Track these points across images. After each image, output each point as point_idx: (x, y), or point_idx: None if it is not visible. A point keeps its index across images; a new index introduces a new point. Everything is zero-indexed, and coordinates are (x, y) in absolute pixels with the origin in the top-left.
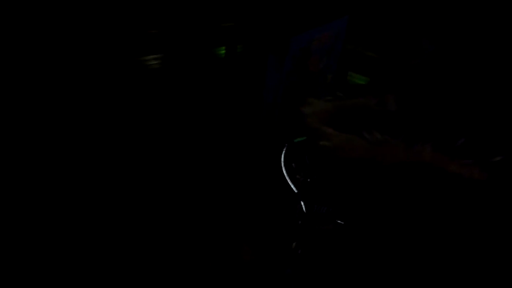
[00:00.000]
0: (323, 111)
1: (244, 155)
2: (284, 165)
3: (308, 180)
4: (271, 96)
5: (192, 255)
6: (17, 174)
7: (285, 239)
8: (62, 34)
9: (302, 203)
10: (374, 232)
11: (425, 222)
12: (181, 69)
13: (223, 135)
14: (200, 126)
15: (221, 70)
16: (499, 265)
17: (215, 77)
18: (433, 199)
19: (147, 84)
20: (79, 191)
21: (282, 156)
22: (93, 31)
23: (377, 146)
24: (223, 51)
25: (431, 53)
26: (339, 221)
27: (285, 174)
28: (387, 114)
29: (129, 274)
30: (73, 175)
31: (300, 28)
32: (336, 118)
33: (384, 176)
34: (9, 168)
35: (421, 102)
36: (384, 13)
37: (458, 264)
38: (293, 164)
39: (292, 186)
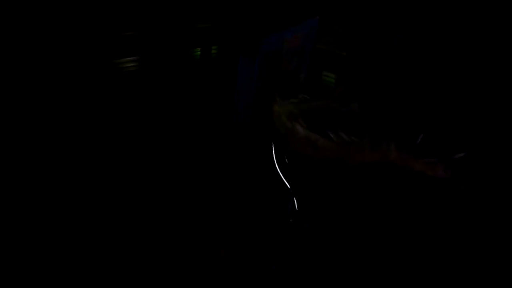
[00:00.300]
0: (292, 110)
1: (217, 156)
2: (276, 161)
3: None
4: (244, 97)
5: (170, 254)
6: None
7: (269, 236)
8: (36, 39)
9: (294, 199)
10: (345, 232)
11: (393, 221)
12: (157, 71)
13: (197, 136)
14: (174, 128)
15: (196, 72)
16: (467, 260)
17: (189, 78)
18: (400, 197)
19: (123, 86)
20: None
21: (273, 152)
22: (69, 34)
23: (343, 146)
24: (199, 53)
25: (393, 50)
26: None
27: (278, 170)
28: (351, 114)
29: (117, 274)
30: (52, 175)
31: (270, 30)
32: (303, 118)
33: (351, 176)
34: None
35: (383, 100)
36: (354, 13)
37: (428, 260)
38: (286, 160)
39: (286, 182)
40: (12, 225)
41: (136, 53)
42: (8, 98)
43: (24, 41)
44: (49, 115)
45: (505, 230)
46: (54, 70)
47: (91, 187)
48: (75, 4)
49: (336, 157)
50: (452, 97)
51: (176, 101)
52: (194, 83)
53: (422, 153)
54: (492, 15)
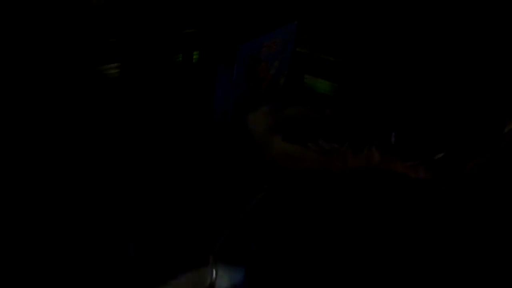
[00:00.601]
0: (266, 121)
1: (196, 162)
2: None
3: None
4: (223, 104)
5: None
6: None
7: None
8: (20, 45)
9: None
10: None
11: (379, 222)
12: (140, 77)
13: (176, 143)
14: (153, 134)
15: (176, 78)
16: (451, 259)
17: (170, 84)
18: (385, 200)
19: (106, 92)
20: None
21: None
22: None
23: (325, 155)
24: (180, 58)
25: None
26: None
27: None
28: (326, 120)
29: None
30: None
31: (248, 35)
32: (280, 127)
33: (335, 183)
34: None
35: (360, 105)
36: (333, 15)
37: (412, 261)
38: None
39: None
40: (11, 225)
41: (119, 59)
42: None
43: (10, 48)
44: (32, 120)
45: (486, 229)
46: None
47: (77, 188)
48: (58, 9)
49: (318, 167)
50: (429, 99)
51: (158, 105)
52: (175, 87)
53: (404, 155)
54: (469, 16)
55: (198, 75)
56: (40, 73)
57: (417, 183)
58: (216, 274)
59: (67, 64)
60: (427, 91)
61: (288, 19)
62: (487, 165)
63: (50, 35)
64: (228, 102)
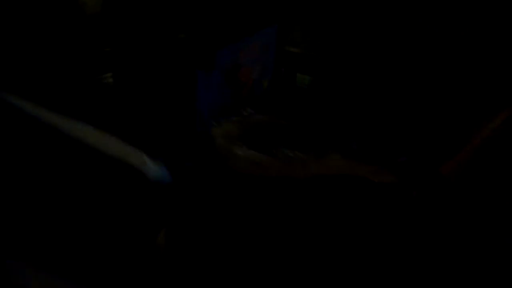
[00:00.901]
0: (231, 130)
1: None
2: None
3: None
4: (205, 111)
5: None
6: None
7: None
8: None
9: None
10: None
11: (346, 229)
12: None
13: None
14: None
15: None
16: (417, 263)
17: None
18: (350, 206)
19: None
20: None
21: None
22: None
23: (288, 163)
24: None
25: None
26: None
27: None
28: (289, 127)
29: None
30: None
31: (226, 42)
32: (244, 137)
33: (299, 191)
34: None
35: (320, 111)
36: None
37: (379, 265)
38: None
39: None
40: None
41: (111, 69)
42: None
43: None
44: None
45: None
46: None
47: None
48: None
49: (282, 175)
50: (390, 102)
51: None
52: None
53: (367, 159)
54: (421, 21)
55: (178, 84)
56: (34, 82)
57: (384, 188)
58: None
59: (62, 73)
60: (388, 93)
61: (267, 23)
62: (466, 166)
63: (45, 44)
64: (212, 108)
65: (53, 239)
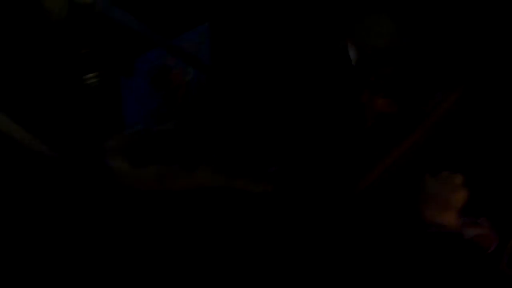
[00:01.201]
0: (110, 148)
1: None
2: None
3: None
4: (134, 116)
5: None
6: None
7: None
8: None
9: None
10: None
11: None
12: None
13: None
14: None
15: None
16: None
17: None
18: (230, 219)
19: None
20: None
21: None
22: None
23: (163, 177)
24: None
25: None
26: None
27: None
28: (169, 135)
29: None
30: None
31: (149, 45)
32: (136, 150)
33: (173, 205)
34: None
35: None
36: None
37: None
38: None
39: None
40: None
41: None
42: None
43: None
44: None
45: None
46: None
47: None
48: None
49: (160, 189)
50: (261, 112)
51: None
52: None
53: (240, 172)
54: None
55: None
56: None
57: (261, 199)
58: None
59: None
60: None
61: (197, 22)
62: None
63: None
64: (139, 115)
65: None
